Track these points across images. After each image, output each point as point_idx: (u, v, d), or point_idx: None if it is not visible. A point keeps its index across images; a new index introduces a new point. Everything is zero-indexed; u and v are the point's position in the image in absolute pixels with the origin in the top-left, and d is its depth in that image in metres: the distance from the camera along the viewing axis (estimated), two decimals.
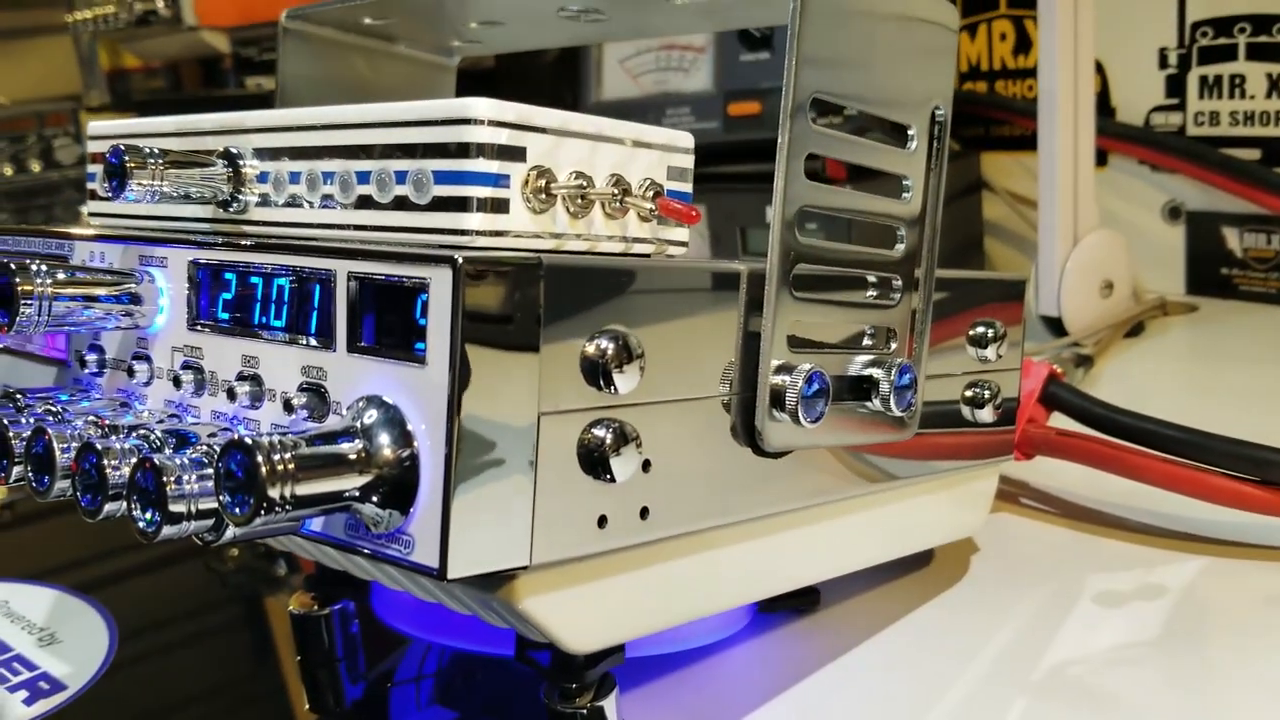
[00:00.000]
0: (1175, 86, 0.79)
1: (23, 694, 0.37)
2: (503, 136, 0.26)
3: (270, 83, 1.11)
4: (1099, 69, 0.78)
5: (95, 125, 0.36)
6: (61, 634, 0.42)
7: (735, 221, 0.77)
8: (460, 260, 0.24)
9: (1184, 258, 0.81)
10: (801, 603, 0.40)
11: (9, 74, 1.37)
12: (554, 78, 0.92)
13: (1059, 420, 0.49)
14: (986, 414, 0.39)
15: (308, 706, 0.38)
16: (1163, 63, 0.79)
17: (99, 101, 1.30)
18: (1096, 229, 0.73)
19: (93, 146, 0.36)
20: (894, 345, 0.34)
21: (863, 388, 0.33)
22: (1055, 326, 0.73)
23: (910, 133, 0.33)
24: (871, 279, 0.33)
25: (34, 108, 1.08)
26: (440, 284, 0.24)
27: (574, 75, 0.87)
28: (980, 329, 0.38)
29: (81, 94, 1.32)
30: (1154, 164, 0.81)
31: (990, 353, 0.38)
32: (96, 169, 0.35)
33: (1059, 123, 0.68)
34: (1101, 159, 0.80)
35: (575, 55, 0.87)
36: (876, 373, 0.32)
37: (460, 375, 0.24)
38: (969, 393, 0.39)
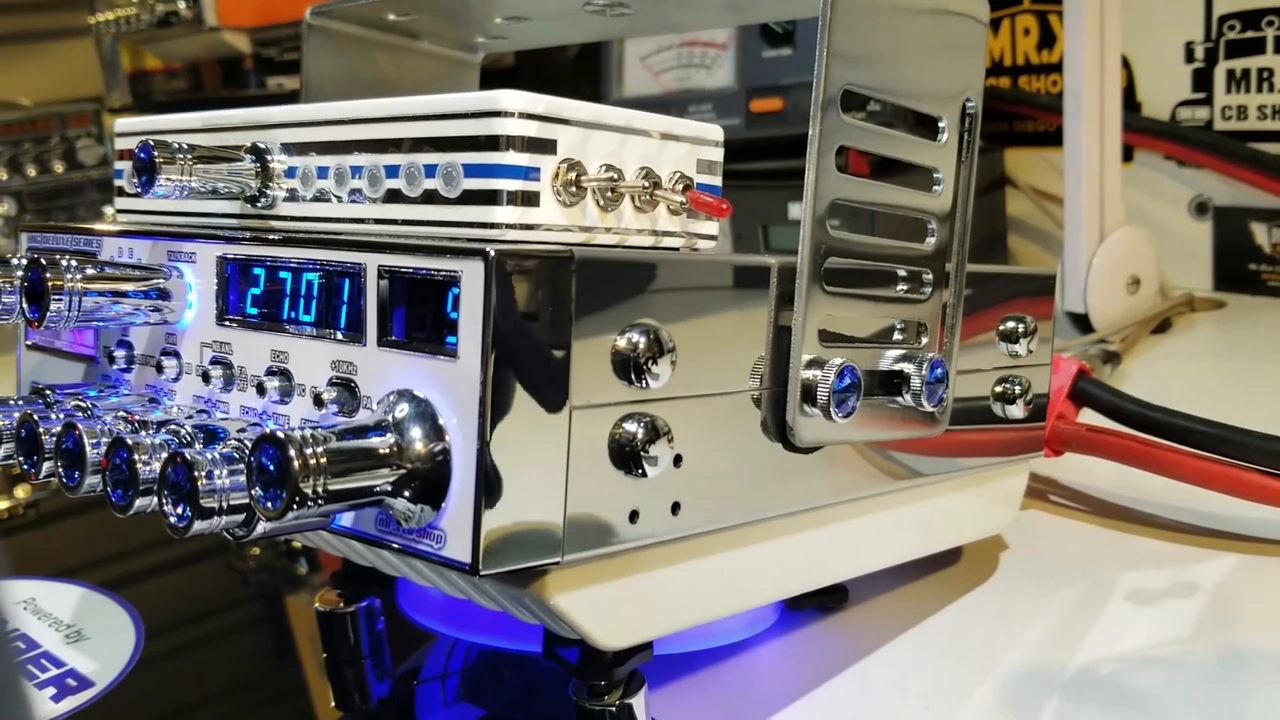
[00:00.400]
0: (1202, 80, 0.78)
1: (51, 690, 0.37)
2: (533, 129, 0.26)
3: (291, 83, 1.11)
4: (1124, 63, 0.78)
5: (122, 122, 0.36)
6: (88, 631, 0.42)
7: (757, 219, 0.77)
8: (493, 253, 0.23)
9: (1211, 253, 0.80)
10: (829, 600, 0.40)
11: (32, 76, 1.38)
12: (575, 75, 0.92)
13: (1088, 416, 0.48)
14: (1017, 410, 0.38)
15: (333, 704, 0.38)
16: (1189, 56, 0.79)
17: (121, 103, 1.30)
18: (1123, 225, 0.72)
19: (120, 144, 0.36)
20: (925, 340, 0.33)
21: (894, 383, 0.32)
22: (1081, 323, 0.72)
23: (941, 125, 0.33)
24: (902, 273, 0.33)
25: (56, 109, 1.08)
26: (472, 277, 0.24)
27: (595, 73, 0.87)
28: (1011, 324, 0.38)
29: (104, 95, 1.33)
30: (1181, 159, 0.80)
31: (1021, 348, 0.38)
32: (124, 165, 0.35)
33: (1085, 117, 0.68)
34: (1127, 154, 0.79)
35: (596, 53, 0.87)
36: (908, 367, 0.32)
37: (493, 369, 0.23)
38: (999, 388, 0.38)
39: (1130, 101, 0.81)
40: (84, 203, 1.07)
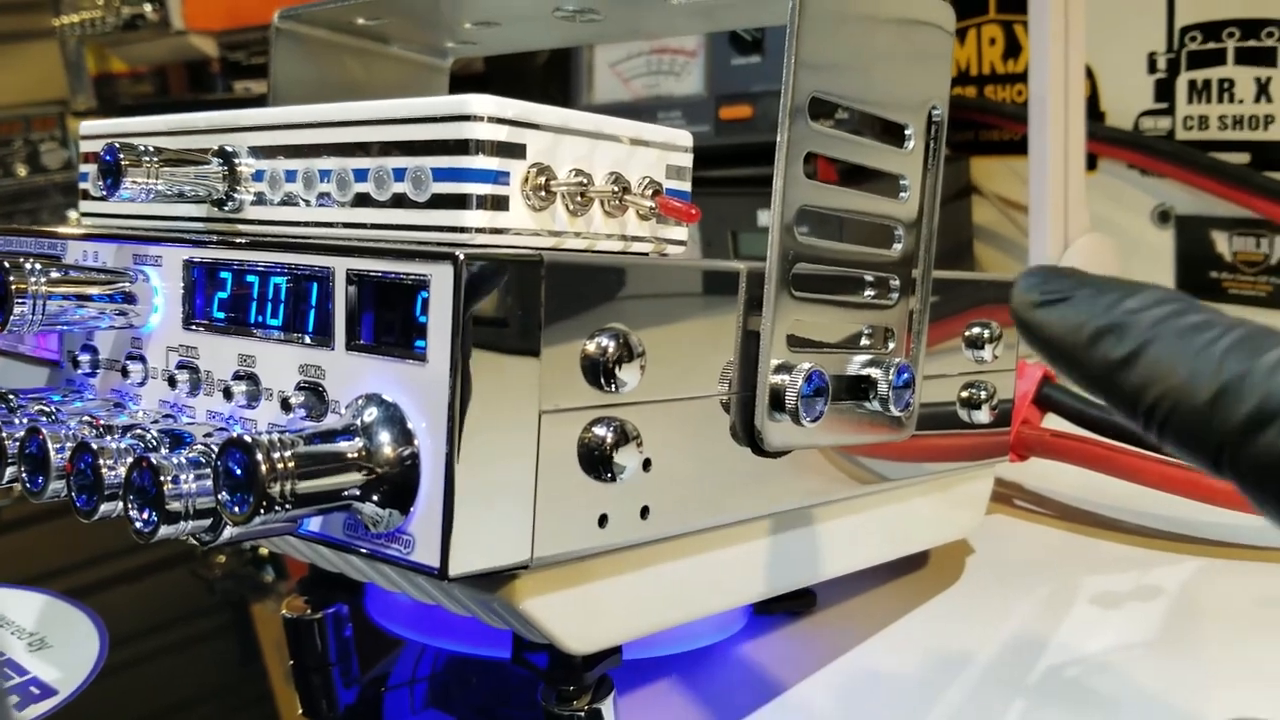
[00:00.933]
0: (1164, 91, 0.79)
1: (13, 699, 0.36)
2: (502, 133, 0.26)
3: (259, 87, 1.10)
4: (1088, 73, 0.79)
5: (87, 125, 0.36)
6: (52, 639, 0.41)
7: (727, 225, 0.77)
8: (462, 256, 0.23)
9: (1173, 261, 0.81)
10: (798, 605, 0.40)
11: None
12: (544, 81, 0.92)
13: (1052, 422, 0.49)
14: (983, 415, 0.39)
15: (300, 711, 0.37)
16: (1152, 67, 0.79)
17: (85, 106, 1.29)
18: (1087, 232, 0.73)
19: (85, 146, 0.36)
20: (892, 345, 0.34)
21: (861, 388, 0.33)
22: None
23: (908, 132, 0.33)
24: (869, 279, 0.33)
25: (20, 112, 1.07)
26: (441, 281, 0.24)
27: (565, 79, 0.87)
28: (976, 329, 0.38)
29: (68, 99, 1.31)
30: (1143, 168, 0.81)
31: (987, 353, 0.38)
32: (89, 168, 0.35)
33: (1050, 126, 0.68)
34: (1091, 163, 0.80)
35: (566, 59, 0.87)
36: (875, 372, 0.32)
37: (461, 373, 0.23)
38: (965, 393, 0.39)
39: (1094, 111, 0.82)
40: (48, 206, 1.06)
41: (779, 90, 0.30)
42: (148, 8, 1.10)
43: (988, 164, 0.88)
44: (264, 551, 0.50)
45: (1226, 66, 0.77)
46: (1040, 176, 0.70)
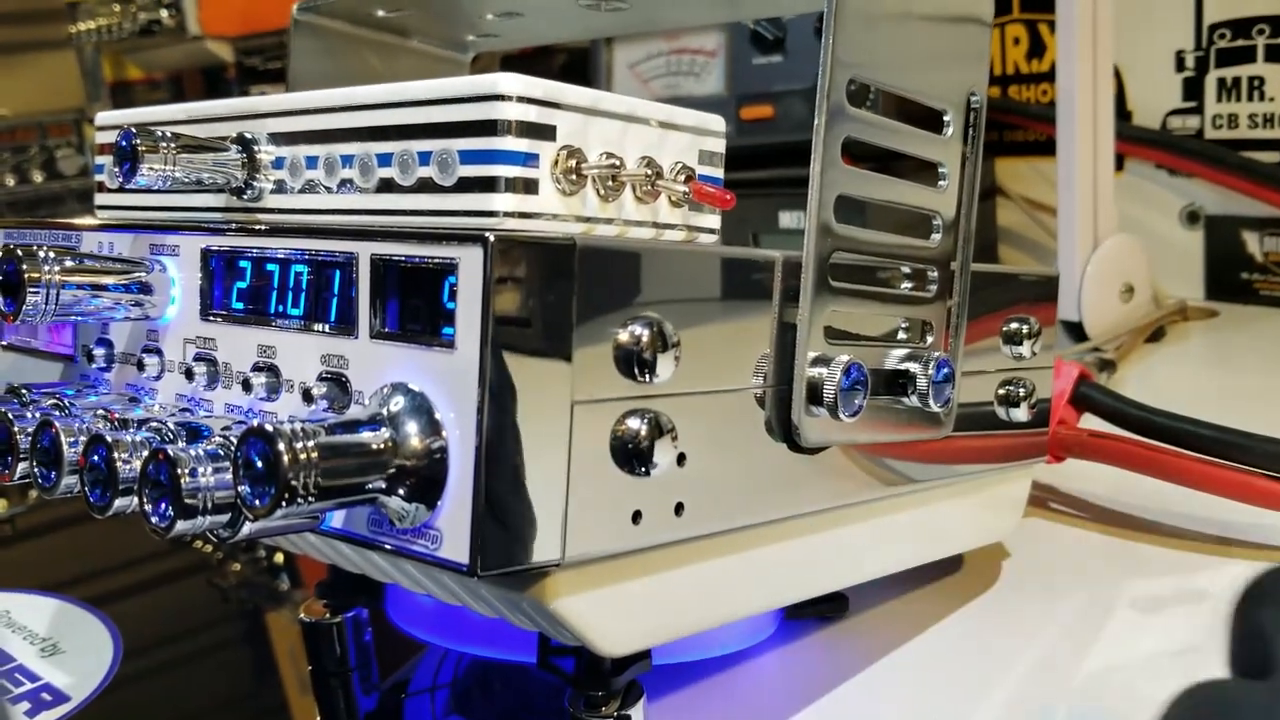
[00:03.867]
0: (1193, 89, 0.78)
1: (25, 705, 0.36)
2: (532, 114, 0.25)
3: (274, 92, 1.10)
4: (1115, 72, 0.78)
5: (103, 116, 0.35)
6: (64, 645, 0.40)
7: (748, 227, 0.76)
8: (492, 239, 0.22)
9: (1203, 263, 0.80)
10: (830, 609, 0.39)
11: (12, 87, 1.36)
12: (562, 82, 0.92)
13: (1089, 422, 0.48)
14: (1021, 413, 0.37)
15: (319, 718, 0.36)
16: (1180, 65, 0.78)
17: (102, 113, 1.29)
18: (1116, 233, 0.72)
19: (100, 138, 0.35)
20: (930, 339, 0.33)
21: (899, 383, 0.32)
22: (1075, 331, 0.71)
23: (946, 118, 0.32)
24: (906, 270, 0.32)
25: (36, 119, 1.07)
26: (470, 265, 0.23)
27: (583, 80, 0.87)
28: (1015, 325, 0.37)
29: (85, 106, 1.31)
30: (1172, 168, 0.80)
31: (1025, 349, 0.37)
32: (105, 159, 0.34)
33: (1078, 125, 0.68)
34: (1118, 163, 0.79)
35: (584, 59, 0.87)
36: (914, 367, 0.31)
37: (492, 361, 0.22)
38: (1003, 391, 0.37)
39: (1121, 110, 0.80)
40: (63, 213, 1.06)
41: (800, 90, 0.29)
42: (163, 14, 1.10)
43: (1012, 165, 0.87)
44: (279, 558, 0.49)
45: (1256, 64, 0.75)
46: (1069, 177, 0.69)
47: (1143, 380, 0.66)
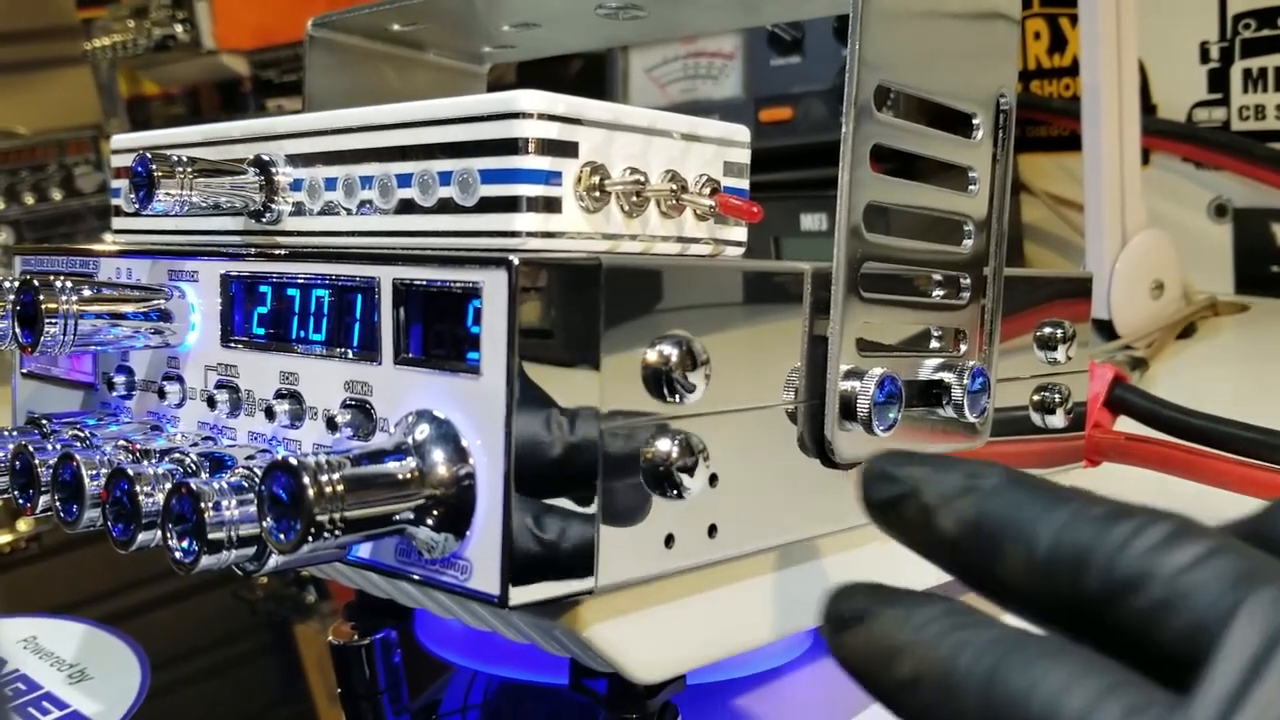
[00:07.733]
0: (1218, 81, 0.77)
1: None
2: (553, 131, 0.25)
3: (291, 104, 1.10)
4: (1138, 65, 0.76)
5: (119, 139, 0.35)
6: (92, 670, 0.40)
7: (769, 231, 0.75)
8: (516, 262, 0.22)
9: (1232, 256, 0.79)
10: None
11: (29, 105, 1.37)
12: (578, 89, 0.91)
13: (1124, 425, 0.47)
14: (1057, 419, 0.37)
15: None
16: (1204, 56, 0.77)
17: (119, 129, 1.30)
18: (1144, 228, 0.71)
19: (116, 161, 0.35)
20: (964, 347, 0.32)
21: (933, 393, 0.31)
22: (1104, 330, 0.70)
23: (975, 122, 0.32)
24: (937, 278, 0.31)
25: (54, 137, 1.07)
26: (494, 288, 0.22)
27: (599, 86, 0.86)
28: (1049, 329, 0.36)
29: (101, 122, 1.32)
30: (1199, 161, 0.78)
31: (1060, 354, 0.37)
32: (121, 183, 0.34)
33: (1104, 119, 0.66)
34: (1144, 157, 0.77)
35: (600, 65, 0.86)
36: (948, 377, 0.31)
37: (519, 385, 0.22)
38: (1038, 397, 0.37)
39: (1145, 103, 0.79)
40: (83, 230, 1.06)
41: (820, 91, 0.28)
42: (179, 29, 1.10)
43: (1036, 161, 0.86)
44: (306, 572, 0.49)
45: None
46: (1095, 172, 0.68)
47: (1176, 378, 0.65)
